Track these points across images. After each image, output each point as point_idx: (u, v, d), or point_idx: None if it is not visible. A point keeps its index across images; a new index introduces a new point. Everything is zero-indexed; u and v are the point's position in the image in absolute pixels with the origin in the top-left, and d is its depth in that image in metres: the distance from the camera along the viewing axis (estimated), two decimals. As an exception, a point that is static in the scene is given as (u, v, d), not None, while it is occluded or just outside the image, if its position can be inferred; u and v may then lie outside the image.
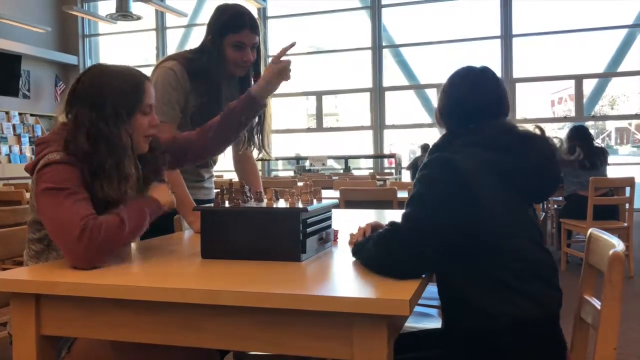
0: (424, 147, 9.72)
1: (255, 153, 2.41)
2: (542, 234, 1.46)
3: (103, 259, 1.41)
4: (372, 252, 1.34)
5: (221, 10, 2.17)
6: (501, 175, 1.37)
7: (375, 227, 1.55)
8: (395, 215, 1.89)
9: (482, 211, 1.32)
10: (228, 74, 2.22)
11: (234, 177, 2.54)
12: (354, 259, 1.48)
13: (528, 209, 1.45)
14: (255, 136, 2.33)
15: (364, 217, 2.37)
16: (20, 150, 10.83)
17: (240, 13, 2.16)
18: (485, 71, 1.52)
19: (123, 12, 10.06)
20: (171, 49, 12.23)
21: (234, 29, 2.13)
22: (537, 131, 1.46)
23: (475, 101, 1.48)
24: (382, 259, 1.30)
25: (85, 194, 1.46)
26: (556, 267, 1.44)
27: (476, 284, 1.34)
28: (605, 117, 11.63)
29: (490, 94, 1.49)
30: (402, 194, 3.89)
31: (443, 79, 1.60)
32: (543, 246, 1.43)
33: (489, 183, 1.34)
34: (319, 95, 11.51)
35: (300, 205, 1.51)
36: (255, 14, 2.24)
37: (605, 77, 10.34)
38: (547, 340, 1.37)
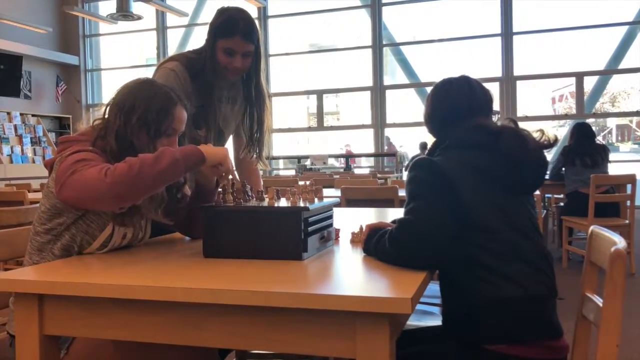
0: (423, 146, 9.70)
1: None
2: (535, 225, 1.51)
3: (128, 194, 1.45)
4: (387, 249, 1.39)
5: (219, 13, 2.13)
6: (475, 169, 1.47)
7: (380, 227, 1.55)
8: (397, 214, 1.89)
9: (461, 200, 1.42)
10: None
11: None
12: (355, 257, 1.49)
13: (514, 199, 1.49)
14: (255, 146, 2.32)
15: (365, 216, 2.38)
16: (22, 150, 10.83)
17: (235, 19, 2.09)
18: (461, 78, 1.65)
19: (124, 12, 10.07)
20: (172, 49, 12.22)
21: (225, 34, 2.08)
22: (511, 124, 1.56)
23: (448, 106, 1.61)
24: (399, 251, 1.36)
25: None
26: (547, 255, 1.49)
27: (462, 266, 1.42)
28: (607, 115, 11.64)
29: (462, 98, 1.60)
30: (404, 193, 3.88)
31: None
32: (526, 233, 1.46)
33: (463, 176, 1.45)
34: (319, 94, 11.50)
35: (301, 204, 1.52)
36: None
37: (606, 75, 10.33)
38: (529, 320, 1.40)
